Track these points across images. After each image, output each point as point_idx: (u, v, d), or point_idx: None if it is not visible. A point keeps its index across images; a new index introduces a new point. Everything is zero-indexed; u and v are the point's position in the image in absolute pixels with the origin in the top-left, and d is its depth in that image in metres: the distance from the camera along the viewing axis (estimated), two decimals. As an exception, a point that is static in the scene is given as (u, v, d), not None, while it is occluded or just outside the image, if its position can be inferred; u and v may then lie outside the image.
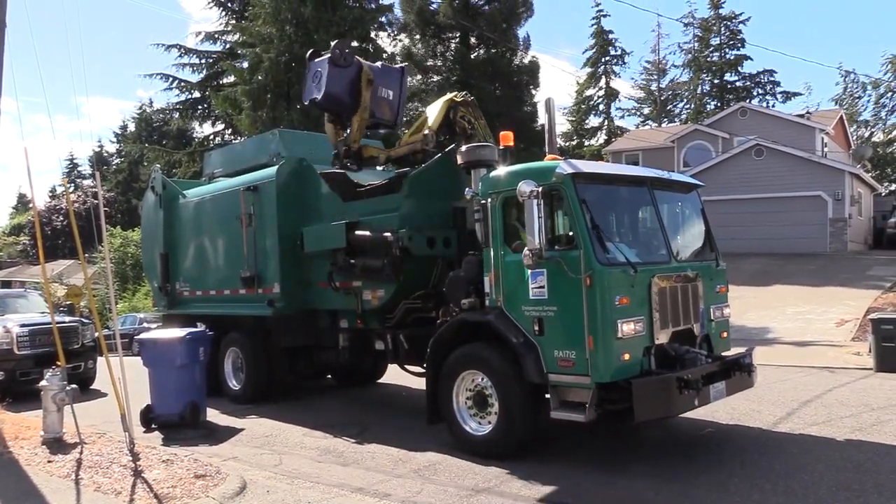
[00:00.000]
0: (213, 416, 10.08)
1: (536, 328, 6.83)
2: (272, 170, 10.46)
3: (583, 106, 57.83)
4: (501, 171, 7.57)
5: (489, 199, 7.39)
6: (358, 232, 8.99)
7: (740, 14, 53.48)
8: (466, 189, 7.86)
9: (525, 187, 6.50)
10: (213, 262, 11.73)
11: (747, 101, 46.13)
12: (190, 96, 41.56)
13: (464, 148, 8.20)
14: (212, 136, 41.13)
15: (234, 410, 10.47)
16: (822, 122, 33.37)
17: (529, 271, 6.82)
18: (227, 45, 38.31)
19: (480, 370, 7.31)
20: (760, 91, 53.70)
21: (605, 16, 56.04)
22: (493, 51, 34.20)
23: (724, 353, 7.69)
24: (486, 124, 9.64)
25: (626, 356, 6.51)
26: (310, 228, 9.86)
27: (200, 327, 12.00)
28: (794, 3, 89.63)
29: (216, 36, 38.97)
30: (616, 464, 6.90)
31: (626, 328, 6.49)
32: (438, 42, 35.06)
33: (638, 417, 6.34)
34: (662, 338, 6.87)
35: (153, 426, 9.41)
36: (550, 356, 6.72)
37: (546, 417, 6.92)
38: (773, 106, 50.42)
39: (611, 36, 56.58)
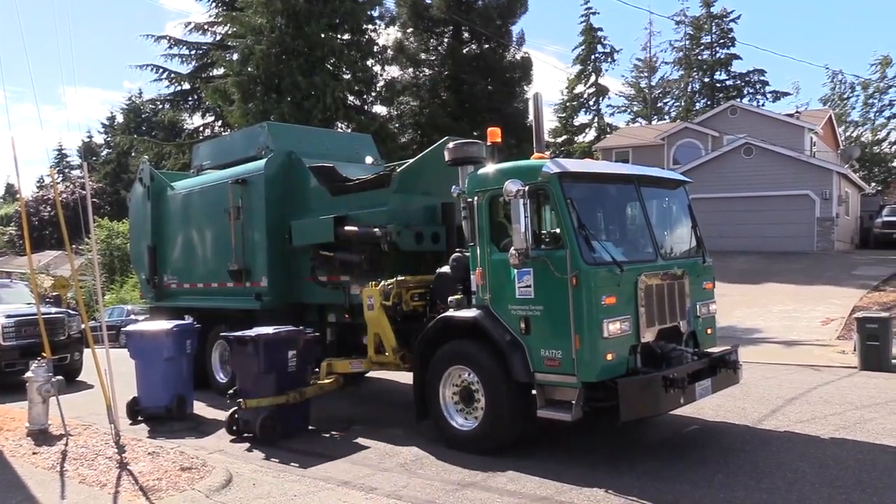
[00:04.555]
0: (200, 408, 10.06)
1: (523, 327, 6.83)
2: (261, 162, 10.41)
3: (573, 103, 57.85)
4: (488, 168, 7.53)
5: (476, 197, 7.37)
6: (346, 227, 8.95)
7: (731, 12, 53.65)
8: (453, 186, 7.82)
9: (511, 186, 6.49)
10: (201, 254, 11.69)
11: (737, 99, 46.29)
12: (179, 87, 41.24)
13: (451, 144, 8.14)
14: (202, 128, 40.91)
15: (221, 403, 10.40)
16: (811, 122, 33.54)
17: (516, 270, 6.81)
18: (218, 37, 38.06)
19: (467, 366, 7.31)
20: (750, 90, 53.98)
21: (594, 13, 56.11)
22: (485, 46, 34.18)
23: (709, 350, 7.70)
24: None
25: (612, 355, 6.51)
26: (298, 222, 9.81)
27: (188, 320, 11.96)
28: (783, 2, 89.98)
29: (206, 27, 38.70)
30: (602, 461, 6.91)
31: (613, 327, 6.48)
32: (431, 36, 35.01)
33: (624, 417, 6.36)
34: (648, 336, 6.87)
35: (139, 418, 9.41)
36: (537, 355, 6.72)
37: (532, 416, 6.91)
38: (763, 105, 50.68)
39: (600, 33, 56.60)
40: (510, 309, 6.96)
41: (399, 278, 8.28)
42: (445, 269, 8.04)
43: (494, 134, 8.10)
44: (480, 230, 7.33)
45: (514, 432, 7.14)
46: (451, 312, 7.54)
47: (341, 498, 6.09)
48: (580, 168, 7.41)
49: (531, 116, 9.25)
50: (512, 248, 6.59)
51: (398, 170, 9.04)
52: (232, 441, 8.25)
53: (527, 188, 6.53)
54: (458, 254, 7.91)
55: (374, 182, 9.14)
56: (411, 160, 9.37)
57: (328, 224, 9.11)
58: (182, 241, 12.08)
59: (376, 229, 8.53)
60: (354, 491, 6.27)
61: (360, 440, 8.10)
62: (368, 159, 11.44)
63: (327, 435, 8.49)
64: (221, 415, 9.63)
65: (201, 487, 6.28)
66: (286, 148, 10.53)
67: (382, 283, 8.25)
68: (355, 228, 8.84)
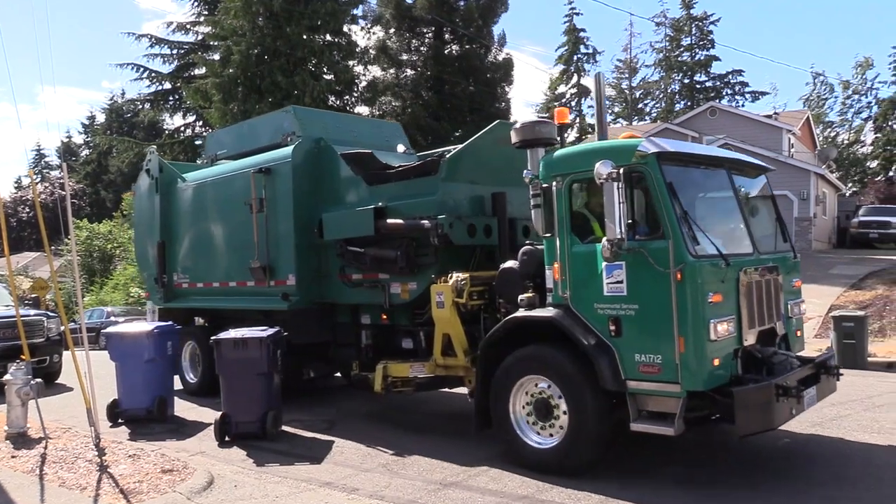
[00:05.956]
0: (183, 411, 10.00)
1: (612, 328, 6.06)
2: (287, 150, 9.67)
3: (555, 103, 58.08)
4: (568, 150, 6.77)
5: (554, 182, 6.55)
6: (389, 220, 8.23)
7: (711, 15, 54.20)
8: (525, 171, 6.91)
9: (603, 168, 5.72)
10: (217, 251, 10.90)
11: (717, 100, 46.70)
12: (160, 87, 41.00)
13: (519, 124, 7.17)
14: (182, 128, 40.67)
15: (204, 405, 10.40)
16: (789, 123, 33.92)
17: (604, 264, 6.05)
18: (200, 36, 37.86)
19: (545, 375, 6.50)
20: (729, 91, 54.49)
21: (577, 14, 56.36)
22: (467, 46, 34.30)
23: (807, 355, 7.08)
24: None
25: (718, 360, 5.82)
26: (330, 215, 9.10)
27: (199, 322, 11.68)
28: (761, 4, 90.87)
29: (188, 26, 38.47)
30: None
31: (721, 329, 5.79)
32: (413, 36, 35.08)
33: (741, 431, 5.76)
34: (750, 338, 6.19)
35: (120, 421, 9.35)
36: (629, 360, 5.96)
37: (623, 430, 6.22)
38: (742, 106, 51.19)
39: (583, 34, 56.89)
40: (596, 308, 6.19)
41: (470, 274, 7.60)
42: (511, 264, 7.25)
43: (563, 114, 7.30)
44: (560, 219, 6.49)
45: (602, 448, 6.38)
46: (522, 312, 6.74)
47: (323, 499, 6.10)
48: (679, 148, 6.50)
49: (593, 97, 8.36)
50: (604, 238, 5.86)
51: (447, 156, 8.25)
52: (220, 445, 8.15)
53: (621, 170, 5.81)
54: (529, 246, 7.16)
55: (420, 169, 8.45)
56: (459, 146, 8.55)
57: (367, 216, 8.39)
58: (195, 237, 11.33)
59: (425, 221, 7.79)
60: (336, 492, 6.28)
61: (342, 440, 8.10)
62: (400, 147, 10.77)
63: (309, 435, 8.48)
64: (203, 416, 9.62)
65: (182, 489, 6.26)
66: (314, 134, 9.80)
67: (455, 278, 7.54)
68: (400, 221, 8.12)
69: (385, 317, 8.91)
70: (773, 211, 7.42)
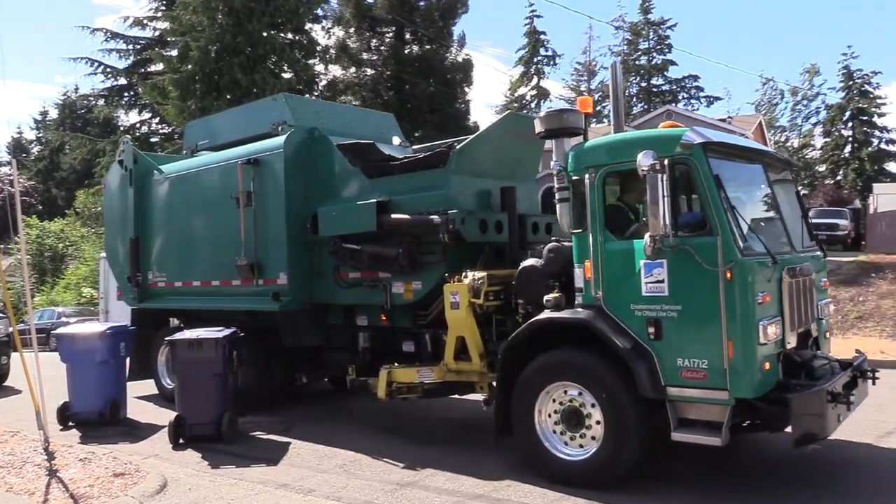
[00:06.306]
0: (138, 413, 9.85)
1: (651, 331, 5.68)
2: (279, 139, 9.09)
3: (515, 105, 58.48)
4: (603, 140, 6.38)
5: (586, 175, 6.15)
6: (393, 215, 7.79)
7: (668, 20, 55.17)
8: (553, 162, 6.52)
9: (645, 160, 5.41)
10: (198, 248, 10.25)
11: (673, 104, 47.55)
12: (116, 83, 40.18)
13: (544, 113, 6.78)
14: (138, 125, 39.92)
15: (162, 407, 10.24)
16: (743, 127, 34.66)
17: (643, 262, 5.71)
18: (157, 32, 37.21)
19: (576, 381, 6.06)
20: (685, 95, 55.56)
21: (538, 17, 56.85)
22: (427, 47, 34.42)
23: (841, 358, 6.64)
24: None
25: (768, 365, 5.49)
26: (326, 209, 8.53)
27: (174, 323, 11.32)
28: (717, 10, 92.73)
29: (145, 22, 37.78)
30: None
31: (770, 331, 5.49)
32: (373, 35, 35.09)
33: (796, 439, 5.38)
34: (792, 341, 5.88)
35: (70, 424, 9.17)
36: (670, 365, 5.59)
37: (664, 439, 5.83)
38: (697, 110, 52.17)
39: (543, 37, 57.39)
40: (633, 309, 5.81)
41: (488, 272, 7.12)
42: (532, 262, 6.81)
43: (586, 103, 6.90)
44: (592, 214, 6.10)
45: (642, 458, 5.96)
46: (549, 314, 6.33)
47: (279, 501, 6.08)
48: (724, 139, 6.16)
49: (609, 89, 7.55)
50: (646, 234, 5.52)
51: (456, 147, 7.83)
52: (174, 448, 8.04)
53: (665, 161, 5.48)
54: (556, 243, 6.75)
55: (426, 161, 7.99)
56: (469, 137, 8.19)
57: (369, 210, 7.90)
58: (173, 233, 10.65)
59: (434, 216, 7.38)
60: (293, 493, 6.26)
61: (299, 442, 8.07)
62: (395, 140, 10.27)
63: (266, 437, 8.43)
64: (157, 419, 9.47)
65: (135, 493, 6.18)
66: (307, 123, 9.30)
67: (471, 277, 7.04)
68: (405, 216, 7.70)
69: (385, 318, 8.45)
70: (797, 208, 7.06)
